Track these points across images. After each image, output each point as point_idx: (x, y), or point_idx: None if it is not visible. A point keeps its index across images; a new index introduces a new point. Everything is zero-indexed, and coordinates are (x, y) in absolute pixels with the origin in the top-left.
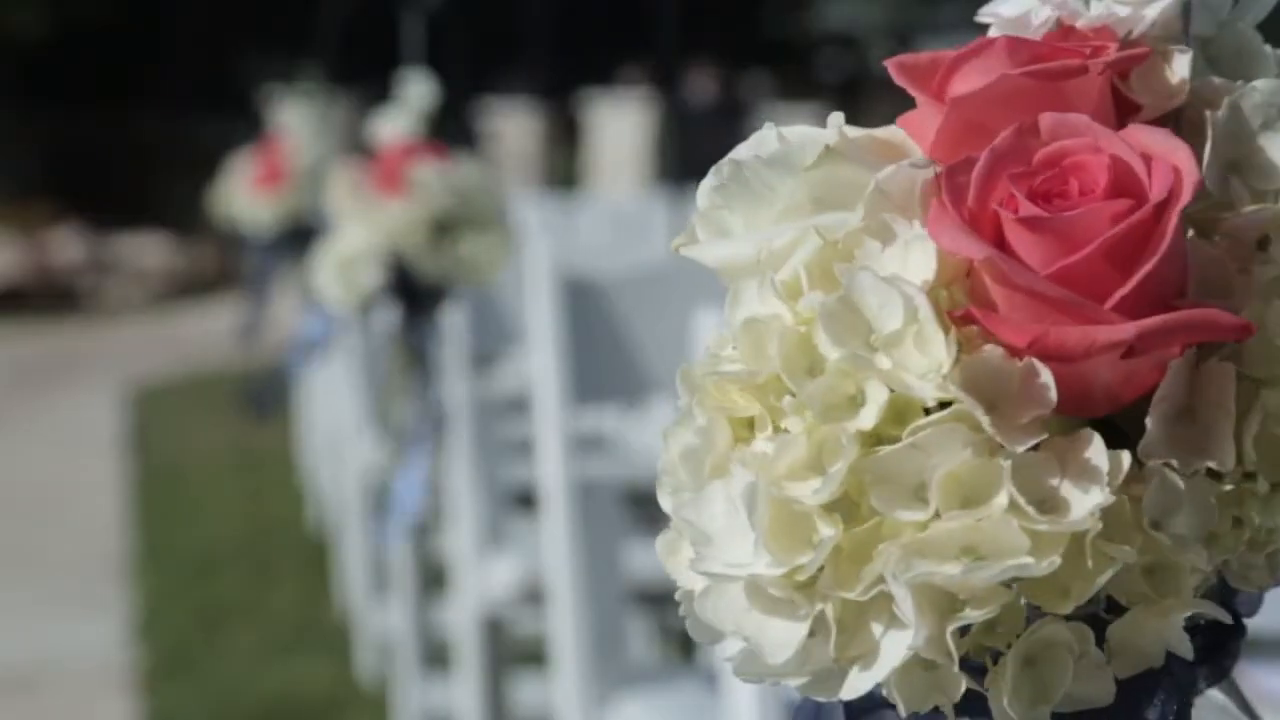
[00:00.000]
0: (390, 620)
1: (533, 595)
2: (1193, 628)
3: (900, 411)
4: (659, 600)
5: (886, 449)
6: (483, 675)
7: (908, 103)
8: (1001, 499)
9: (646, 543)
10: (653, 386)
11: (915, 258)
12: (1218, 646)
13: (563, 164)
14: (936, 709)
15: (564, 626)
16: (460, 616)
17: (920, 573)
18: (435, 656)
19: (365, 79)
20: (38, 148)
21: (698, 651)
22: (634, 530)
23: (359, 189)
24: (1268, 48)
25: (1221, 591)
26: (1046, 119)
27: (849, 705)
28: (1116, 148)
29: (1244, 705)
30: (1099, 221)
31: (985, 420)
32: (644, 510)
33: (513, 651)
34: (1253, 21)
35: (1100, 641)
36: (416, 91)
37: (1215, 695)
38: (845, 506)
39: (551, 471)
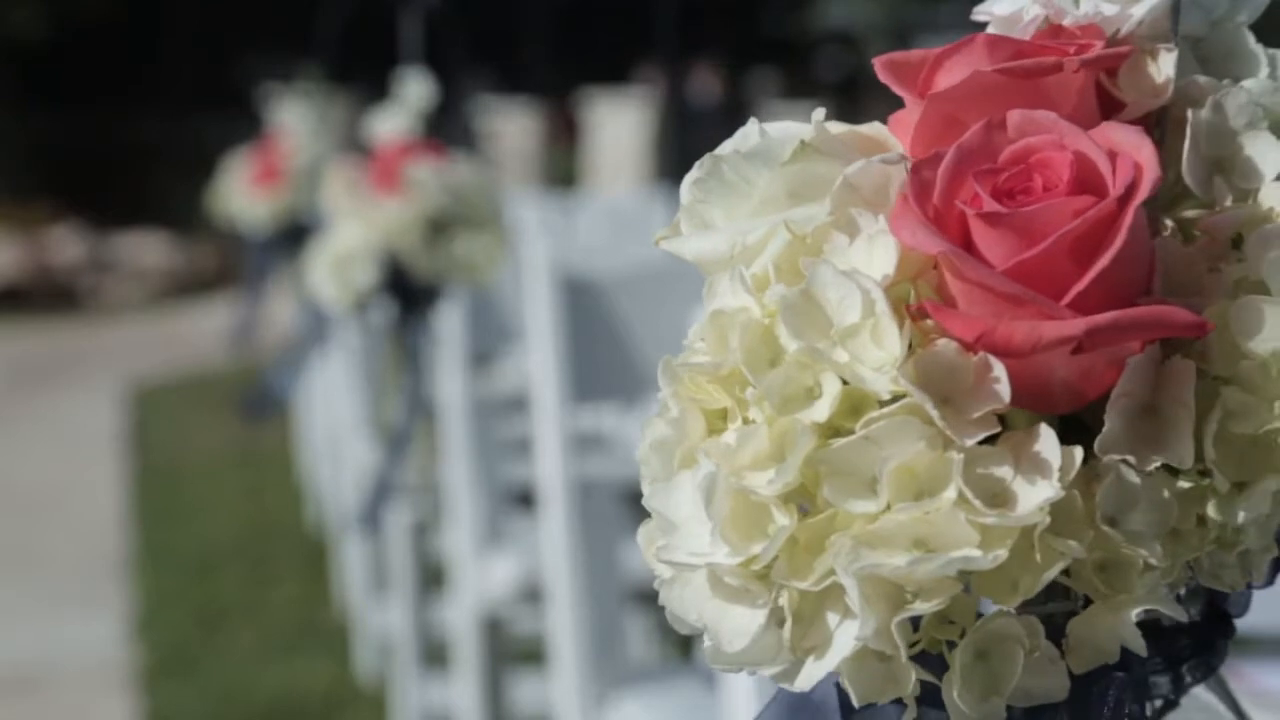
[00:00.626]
0: (389, 619)
1: (532, 594)
2: (1181, 627)
3: (856, 404)
4: (657, 598)
5: (839, 441)
6: (482, 674)
7: (903, 102)
8: (950, 492)
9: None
10: (651, 385)
11: (878, 252)
12: (1206, 645)
13: (562, 163)
14: (898, 700)
15: (563, 625)
16: (459, 615)
17: (868, 564)
18: (435, 656)
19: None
20: (37, 147)
21: (696, 650)
22: (632, 529)
23: (355, 187)
24: (1259, 48)
25: (1210, 592)
26: (1014, 116)
27: (845, 701)
28: (1081, 144)
29: (1233, 704)
30: (1059, 217)
31: (936, 414)
32: (641, 508)
33: (512, 650)
34: (1245, 21)
35: (1059, 637)
36: (414, 90)
37: (1204, 694)
38: (803, 498)
39: (550, 470)
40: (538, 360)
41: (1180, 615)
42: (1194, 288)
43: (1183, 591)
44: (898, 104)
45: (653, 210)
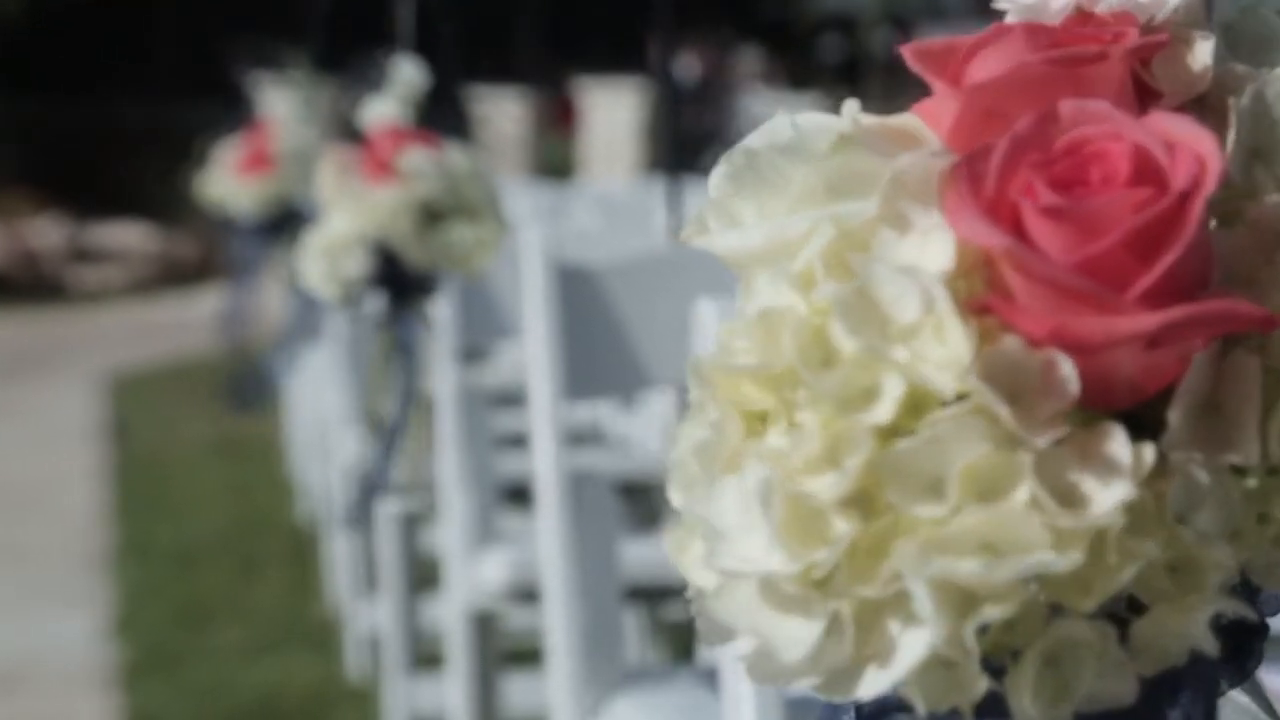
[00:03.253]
0: (379, 617)
1: (526, 592)
2: (1215, 628)
3: (917, 404)
4: (652, 596)
5: (903, 443)
6: (473, 673)
7: (903, 87)
8: (1022, 493)
9: (639, 537)
10: (649, 377)
11: (933, 247)
12: (1240, 647)
13: (559, 151)
14: (954, 709)
15: (557, 623)
16: (450, 613)
17: (938, 569)
18: (429, 655)
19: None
20: (17, 134)
21: (694, 648)
22: (626, 525)
23: (347, 175)
24: None
25: (1245, 591)
26: (1066, 106)
27: (859, 707)
28: (1138, 135)
29: (1267, 707)
30: (1121, 211)
31: (1005, 413)
32: (636, 504)
33: (507, 649)
34: (1275, 7)
35: (1123, 639)
36: (407, 77)
37: (1237, 697)
38: (861, 502)
39: (545, 464)
40: (532, 351)
41: (1250, 614)
42: (1250, 280)
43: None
44: (899, 90)
45: (648, 199)
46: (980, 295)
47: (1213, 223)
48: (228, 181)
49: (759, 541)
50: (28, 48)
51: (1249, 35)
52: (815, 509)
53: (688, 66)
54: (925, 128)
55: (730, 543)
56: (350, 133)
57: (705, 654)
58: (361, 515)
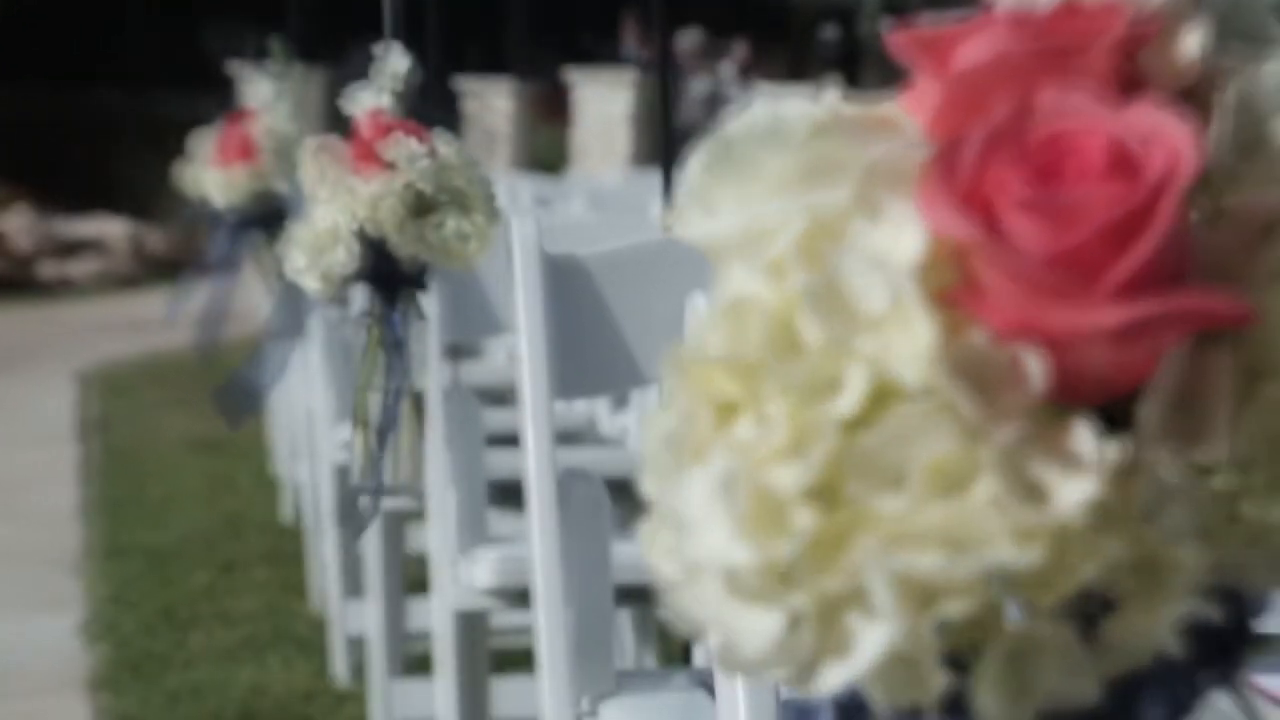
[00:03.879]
0: (367, 619)
1: (516, 592)
2: (1197, 631)
3: (883, 396)
4: (645, 597)
5: (867, 435)
6: (461, 676)
7: (901, 78)
8: (984, 488)
9: (633, 537)
10: (644, 372)
11: (905, 238)
12: (1223, 651)
13: (548, 142)
14: (915, 705)
15: (549, 625)
16: (438, 614)
17: (899, 564)
18: (420, 658)
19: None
20: None
21: (689, 651)
22: (621, 524)
23: (333, 167)
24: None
25: (1226, 594)
26: (1044, 97)
27: (842, 704)
28: (1115, 128)
29: (1251, 712)
30: (1094, 204)
31: (970, 406)
32: (631, 503)
33: (497, 652)
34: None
35: (1092, 638)
36: (394, 67)
37: (1222, 702)
38: (824, 494)
39: (536, 462)
40: (524, 347)
41: (1215, 616)
42: (1230, 275)
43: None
44: (897, 81)
45: (641, 191)
46: (951, 287)
47: (1194, 217)
48: (209, 174)
49: (722, 533)
50: (2, 34)
51: (1238, 28)
52: (778, 501)
53: (631, 47)
54: (906, 117)
55: (695, 534)
56: (341, 123)
57: (700, 656)
58: (351, 514)
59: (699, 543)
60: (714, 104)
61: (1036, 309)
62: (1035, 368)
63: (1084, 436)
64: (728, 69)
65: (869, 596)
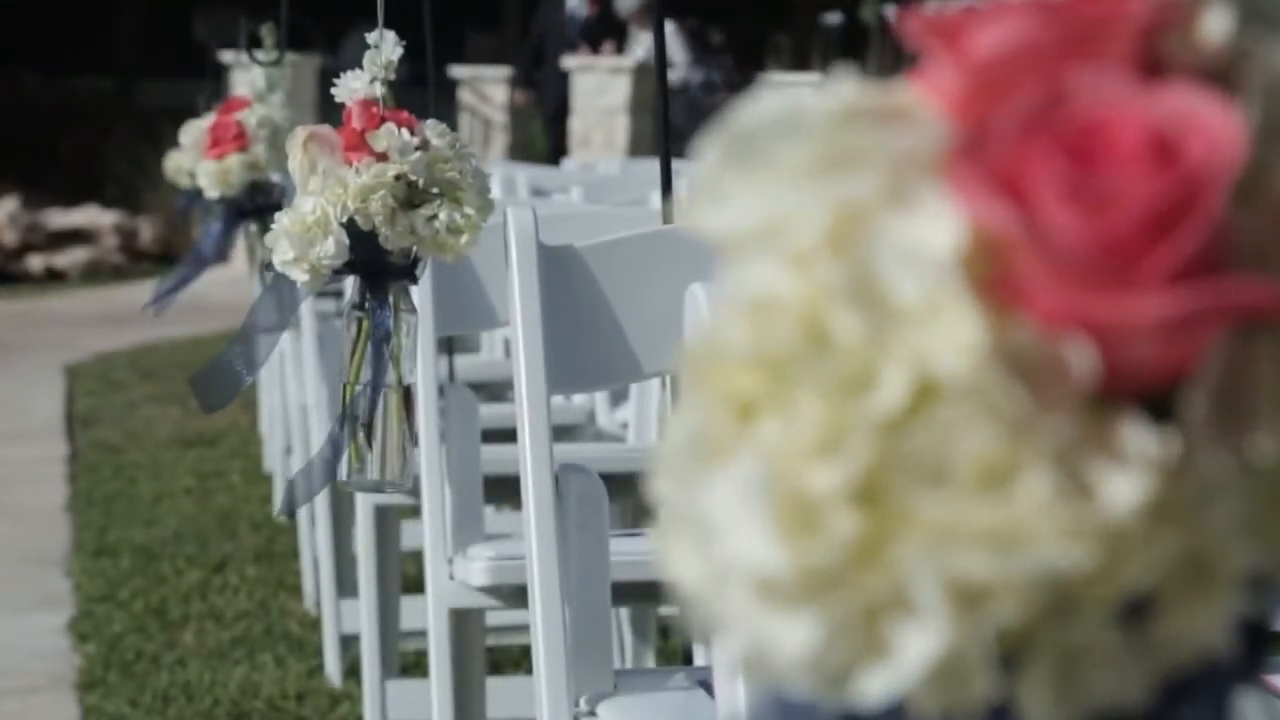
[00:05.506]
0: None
1: (512, 591)
2: (1232, 629)
3: (925, 391)
4: (644, 596)
5: (909, 431)
6: (456, 676)
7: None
8: (1036, 484)
9: (631, 534)
10: (642, 366)
11: (940, 226)
12: (1248, 651)
13: (539, 132)
14: (961, 710)
15: (544, 623)
16: (432, 613)
17: (947, 565)
18: (415, 657)
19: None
20: None
21: (688, 650)
22: (619, 520)
23: (323, 157)
24: None
25: (1254, 592)
26: (1077, 80)
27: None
28: (1154, 109)
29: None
30: (1135, 189)
31: (1017, 399)
32: (629, 499)
33: (494, 652)
34: None
35: (1136, 637)
36: (385, 55)
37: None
38: (863, 494)
39: (531, 457)
40: (518, 339)
41: (1267, 614)
42: (1271, 262)
43: None
44: (902, 67)
45: (637, 180)
46: (991, 277)
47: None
48: (200, 163)
49: (753, 536)
50: None
51: (1262, 10)
52: (814, 502)
53: (579, 6)
54: (925, 102)
55: (722, 537)
56: (335, 113)
57: (700, 655)
58: (298, 504)
59: (726, 547)
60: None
61: (1079, 300)
62: (1082, 360)
63: (1133, 431)
64: (672, 32)
65: (915, 600)
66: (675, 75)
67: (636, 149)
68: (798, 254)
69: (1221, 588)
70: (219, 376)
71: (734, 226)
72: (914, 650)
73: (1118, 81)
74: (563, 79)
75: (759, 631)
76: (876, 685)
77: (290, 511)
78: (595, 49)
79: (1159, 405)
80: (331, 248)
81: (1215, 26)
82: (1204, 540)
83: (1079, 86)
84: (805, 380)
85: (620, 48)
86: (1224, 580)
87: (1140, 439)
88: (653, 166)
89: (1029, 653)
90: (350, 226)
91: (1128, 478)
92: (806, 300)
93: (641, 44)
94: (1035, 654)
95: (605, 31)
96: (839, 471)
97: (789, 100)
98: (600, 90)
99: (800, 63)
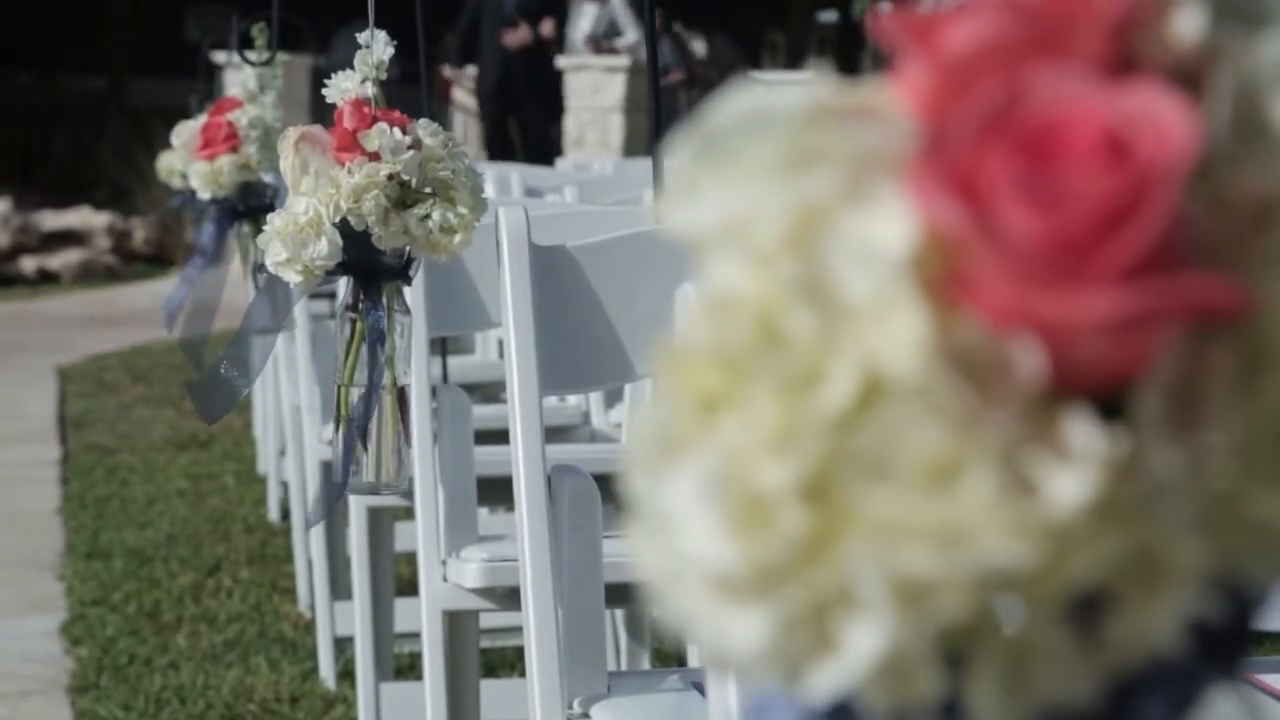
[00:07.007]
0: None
1: (506, 593)
2: (1196, 628)
3: (871, 388)
4: (638, 597)
5: (856, 428)
6: (450, 678)
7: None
8: (977, 482)
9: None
10: (634, 366)
11: (893, 224)
12: (1223, 648)
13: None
14: (909, 705)
15: (538, 625)
16: (426, 616)
17: (890, 561)
18: (409, 660)
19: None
20: None
21: (682, 651)
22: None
23: (315, 157)
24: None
25: (1225, 591)
26: (1035, 77)
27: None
28: (1109, 108)
29: (1251, 710)
30: (1087, 187)
31: (963, 397)
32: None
33: (488, 654)
34: None
35: (1087, 635)
36: (377, 55)
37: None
38: (813, 490)
39: (525, 458)
40: (511, 339)
41: (1216, 612)
42: (1229, 261)
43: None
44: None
45: (631, 180)
46: (942, 275)
47: (1194, 199)
48: (192, 163)
49: (707, 531)
50: None
51: (1234, 7)
52: (765, 497)
53: None
54: (895, 101)
55: (680, 531)
56: (327, 113)
57: (693, 657)
58: (322, 514)
59: (683, 541)
60: (609, 35)
61: (1029, 298)
62: (1028, 358)
63: (1079, 429)
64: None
65: (860, 596)
66: (625, 46)
67: (632, 148)
68: (760, 251)
69: (1173, 587)
70: (217, 384)
71: (702, 224)
72: (860, 646)
73: (1078, 80)
74: (500, 54)
75: (715, 625)
76: (826, 680)
77: (318, 520)
78: (533, 26)
79: (1111, 404)
80: (324, 249)
81: (1187, 24)
82: (1154, 539)
83: (1038, 85)
84: (761, 377)
85: (560, 26)
86: (1175, 580)
87: (1086, 437)
88: (647, 166)
89: (976, 650)
90: (343, 227)
91: (1072, 476)
92: (763, 298)
93: (587, 15)
94: (982, 651)
95: (544, 8)
96: (789, 468)
97: (759, 98)
98: (594, 89)
99: (796, 61)
